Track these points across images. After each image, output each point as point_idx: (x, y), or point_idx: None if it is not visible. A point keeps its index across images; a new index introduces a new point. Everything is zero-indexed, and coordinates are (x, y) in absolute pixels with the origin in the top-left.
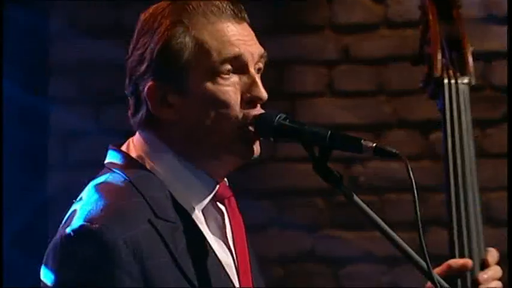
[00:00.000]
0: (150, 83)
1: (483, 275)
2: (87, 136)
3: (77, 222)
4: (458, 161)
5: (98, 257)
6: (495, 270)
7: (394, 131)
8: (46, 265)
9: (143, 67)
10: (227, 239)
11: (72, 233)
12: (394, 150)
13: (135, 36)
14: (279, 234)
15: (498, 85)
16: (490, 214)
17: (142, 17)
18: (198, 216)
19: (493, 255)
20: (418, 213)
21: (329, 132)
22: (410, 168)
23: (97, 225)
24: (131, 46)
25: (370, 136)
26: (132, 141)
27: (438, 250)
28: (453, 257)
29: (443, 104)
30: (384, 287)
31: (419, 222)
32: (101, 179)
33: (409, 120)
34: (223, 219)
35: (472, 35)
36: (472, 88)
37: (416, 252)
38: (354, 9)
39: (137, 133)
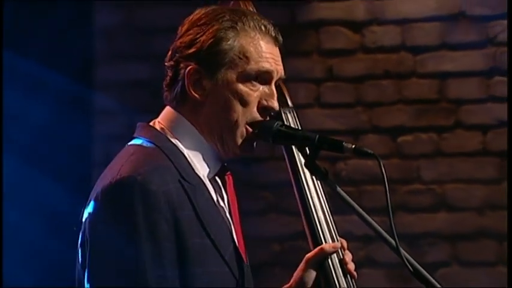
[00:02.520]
0: (192, 65)
1: (346, 257)
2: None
3: (122, 173)
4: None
5: (141, 203)
6: (350, 254)
7: (369, 135)
8: (89, 226)
9: (190, 51)
10: (224, 206)
11: (119, 182)
12: (369, 151)
13: (187, 24)
14: (276, 218)
15: (451, 98)
16: (445, 201)
17: (201, 10)
18: (207, 184)
19: (344, 241)
20: (389, 200)
21: (317, 136)
22: (382, 165)
23: (140, 177)
24: (182, 31)
25: (350, 139)
26: (158, 119)
27: (404, 230)
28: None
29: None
30: (360, 260)
31: (390, 208)
32: (137, 142)
33: (381, 127)
34: (221, 192)
35: (430, 58)
36: (431, 101)
37: (386, 232)
38: (336, 38)
39: (166, 108)
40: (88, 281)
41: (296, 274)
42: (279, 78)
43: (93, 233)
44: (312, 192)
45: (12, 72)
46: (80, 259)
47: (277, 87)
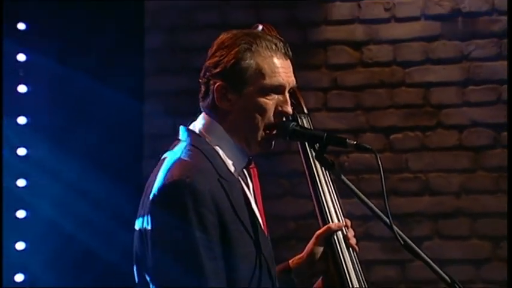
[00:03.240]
0: (219, 82)
1: (349, 233)
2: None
3: (173, 176)
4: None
5: (191, 200)
6: (352, 231)
7: (367, 133)
8: (148, 213)
9: (217, 70)
10: (250, 193)
11: (170, 185)
12: (368, 146)
13: (215, 47)
14: (291, 201)
15: (433, 104)
16: (429, 187)
17: (224, 35)
18: (238, 177)
19: (348, 221)
20: (383, 186)
21: (325, 134)
22: (378, 158)
23: (189, 179)
24: (210, 52)
25: (351, 137)
26: (196, 122)
27: (395, 211)
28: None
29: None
30: (359, 236)
31: (384, 192)
32: (180, 148)
33: (376, 127)
34: (247, 181)
35: (416, 71)
36: (417, 106)
37: (381, 212)
38: (340, 55)
39: (202, 113)
40: (151, 268)
41: (308, 247)
42: (291, 87)
43: (153, 225)
44: (321, 179)
45: (73, 83)
46: (138, 247)
47: (295, 97)
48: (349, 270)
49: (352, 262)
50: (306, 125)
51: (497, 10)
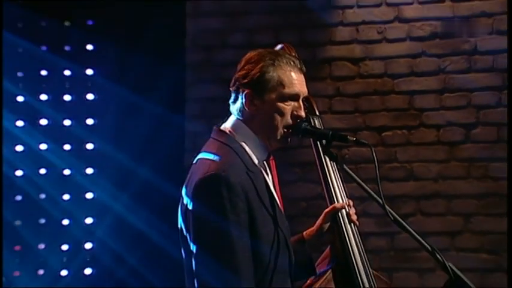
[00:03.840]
0: (247, 90)
1: (351, 211)
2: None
3: (211, 170)
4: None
5: (225, 190)
6: (353, 209)
7: (363, 131)
8: (192, 201)
9: (245, 81)
10: (269, 180)
11: (209, 177)
12: (365, 141)
13: (243, 62)
14: (303, 185)
15: (417, 108)
16: (413, 174)
17: (251, 53)
18: (260, 168)
19: (350, 201)
20: (378, 174)
21: (330, 132)
22: (373, 151)
23: (224, 173)
24: (239, 66)
25: (351, 134)
26: (226, 124)
27: (386, 193)
28: (332, 203)
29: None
30: (358, 213)
31: (378, 179)
32: (213, 145)
33: (371, 126)
34: (267, 171)
35: (403, 82)
36: (404, 109)
37: (375, 194)
38: (342, 68)
39: (232, 116)
40: (192, 242)
41: (317, 222)
42: (304, 96)
43: (194, 208)
44: (328, 168)
45: (130, 92)
46: (183, 224)
47: (309, 102)
48: (351, 241)
49: (353, 234)
50: (317, 125)
51: (466, 33)
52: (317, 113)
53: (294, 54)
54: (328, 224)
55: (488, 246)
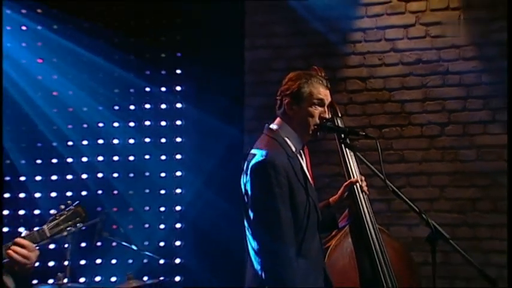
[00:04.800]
0: (288, 99)
1: (363, 184)
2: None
3: (261, 156)
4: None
5: (273, 171)
6: (365, 182)
7: (369, 129)
8: (248, 182)
9: (287, 92)
10: (303, 164)
11: (261, 162)
12: (371, 135)
13: (286, 79)
14: (327, 167)
15: (406, 111)
16: (404, 159)
17: (292, 73)
18: (297, 155)
19: (363, 177)
20: (380, 158)
21: (347, 128)
22: (377, 142)
23: (272, 159)
24: (284, 82)
25: (361, 130)
26: (274, 123)
27: (385, 172)
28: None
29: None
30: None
31: (381, 162)
32: (264, 139)
33: (374, 124)
34: (302, 156)
35: (397, 93)
36: (397, 113)
37: (379, 172)
38: (353, 85)
39: (277, 117)
40: (250, 209)
41: (339, 192)
42: (329, 103)
43: (251, 187)
44: (347, 154)
45: (200, 97)
46: (243, 198)
47: (334, 108)
48: (362, 205)
49: (364, 200)
50: (339, 123)
51: (442, 59)
52: (339, 115)
53: (322, 74)
54: (347, 193)
55: (456, 208)
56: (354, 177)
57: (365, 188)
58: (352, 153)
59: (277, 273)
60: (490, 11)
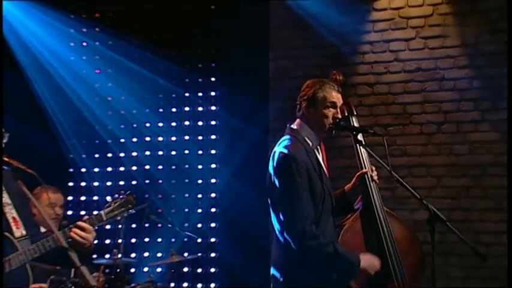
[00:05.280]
0: (305, 103)
1: (373, 173)
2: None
3: (285, 152)
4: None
5: (294, 164)
6: (375, 172)
7: (375, 127)
8: (274, 174)
9: (305, 97)
10: (320, 157)
11: (284, 156)
12: (379, 133)
13: (304, 86)
14: (341, 160)
15: (408, 112)
16: (406, 152)
17: (309, 81)
18: (314, 150)
19: (373, 167)
20: (387, 152)
21: (358, 127)
22: (384, 138)
23: (293, 154)
24: (302, 89)
25: (369, 129)
26: (294, 123)
27: (392, 163)
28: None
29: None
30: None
31: (387, 155)
32: (286, 137)
33: (380, 124)
34: (319, 151)
35: (399, 97)
36: (399, 114)
37: (386, 164)
38: (363, 90)
39: (297, 119)
40: (276, 196)
41: (352, 181)
42: (340, 105)
43: (277, 178)
44: (359, 148)
45: (237, 102)
46: (269, 189)
47: (349, 107)
48: (373, 192)
49: (374, 188)
50: (354, 121)
51: (438, 68)
52: (355, 113)
53: (341, 77)
54: (359, 182)
55: (451, 195)
56: (365, 168)
57: (375, 178)
58: (363, 148)
59: (306, 246)
60: (479, 27)
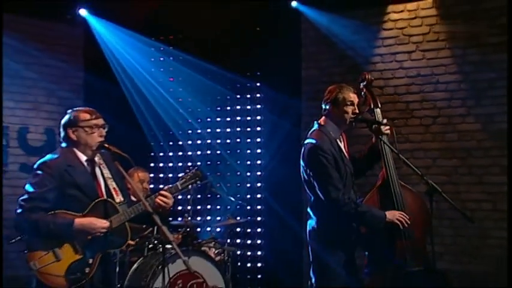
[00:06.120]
0: (330, 105)
1: (385, 127)
2: None
3: (314, 143)
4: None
5: (321, 152)
6: (388, 126)
7: (383, 121)
8: (306, 159)
9: (328, 100)
10: (341, 144)
11: (314, 145)
12: (389, 124)
13: (327, 91)
14: (356, 146)
15: (410, 108)
16: (408, 139)
17: (331, 86)
18: (337, 140)
19: (387, 123)
20: (395, 139)
21: (373, 120)
22: (393, 129)
23: (320, 144)
24: (326, 92)
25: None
26: (321, 119)
27: (398, 147)
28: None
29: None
30: None
31: (395, 141)
32: (314, 130)
33: (389, 118)
34: (341, 140)
35: (403, 96)
36: (403, 109)
37: (394, 148)
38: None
39: (323, 116)
40: (313, 179)
41: (369, 144)
42: (357, 104)
43: (309, 164)
44: (376, 136)
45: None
46: (304, 174)
47: (374, 99)
48: (390, 165)
49: (390, 156)
50: (378, 113)
51: (434, 74)
52: (379, 106)
53: (369, 76)
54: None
55: (444, 172)
56: (384, 152)
57: (387, 131)
58: (378, 135)
59: (342, 210)
60: (466, 42)
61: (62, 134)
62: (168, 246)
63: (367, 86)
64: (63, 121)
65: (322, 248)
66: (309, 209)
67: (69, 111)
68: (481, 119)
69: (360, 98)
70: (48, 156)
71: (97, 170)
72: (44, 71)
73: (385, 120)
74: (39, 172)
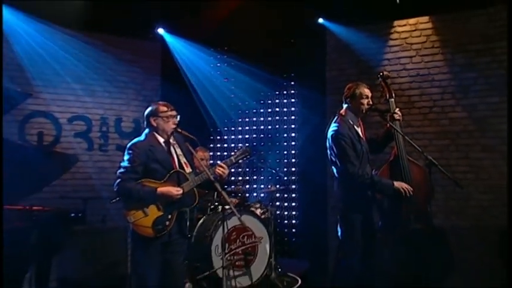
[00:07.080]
0: (349, 99)
1: (396, 113)
2: None
3: (336, 129)
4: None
5: (341, 136)
6: (399, 113)
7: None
8: (330, 142)
9: (347, 95)
10: (358, 129)
11: (336, 131)
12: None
13: (346, 88)
14: (370, 131)
15: (411, 101)
16: (410, 124)
17: (349, 84)
18: (354, 125)
19: (399, 112)
20: (401, 125)
21: (384, 109)
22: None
23: (341, 130)
24: (345, 89)
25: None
26: (342, 110)
27: (403, 131)
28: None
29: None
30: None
31: (401, 127)
32: (336, 119)
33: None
34: (358, 125)
35: (406, 92)
36: (406, 102)
37: (402, 132)
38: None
39: (344, 107)
40: (336, 158)
41: (384, 130)
42: (371, 97)
43: (333, 146)
44: (388, 122)
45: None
46: (330, 152)
47: (389, 91)
48: (401, 143)
49: (402, 141)
50: (393, 103)
51: (430, 74)
52: (393, 96)
53: (385, 73)
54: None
55: (438, 150)
56: (396, 134)
57: (399, 118)
58: (389, 122)
59: (358, 181)
60: (455, 49)
61: (146, 122)
62: (226, 206)
63: (384, 80)
64: (146, 112)
65: (345, 209)
66: (334, 184)
67: (151, 104)
68: (467, 108)
69: (378, 90)
70: (136, 139)
71: (172, 149)
72: (132, 76)
73: (397, 109)
74: (130, 151)
